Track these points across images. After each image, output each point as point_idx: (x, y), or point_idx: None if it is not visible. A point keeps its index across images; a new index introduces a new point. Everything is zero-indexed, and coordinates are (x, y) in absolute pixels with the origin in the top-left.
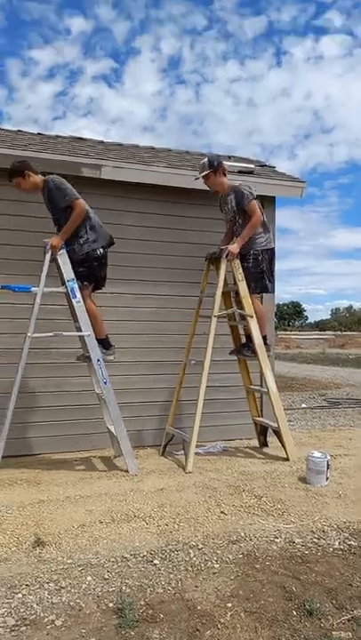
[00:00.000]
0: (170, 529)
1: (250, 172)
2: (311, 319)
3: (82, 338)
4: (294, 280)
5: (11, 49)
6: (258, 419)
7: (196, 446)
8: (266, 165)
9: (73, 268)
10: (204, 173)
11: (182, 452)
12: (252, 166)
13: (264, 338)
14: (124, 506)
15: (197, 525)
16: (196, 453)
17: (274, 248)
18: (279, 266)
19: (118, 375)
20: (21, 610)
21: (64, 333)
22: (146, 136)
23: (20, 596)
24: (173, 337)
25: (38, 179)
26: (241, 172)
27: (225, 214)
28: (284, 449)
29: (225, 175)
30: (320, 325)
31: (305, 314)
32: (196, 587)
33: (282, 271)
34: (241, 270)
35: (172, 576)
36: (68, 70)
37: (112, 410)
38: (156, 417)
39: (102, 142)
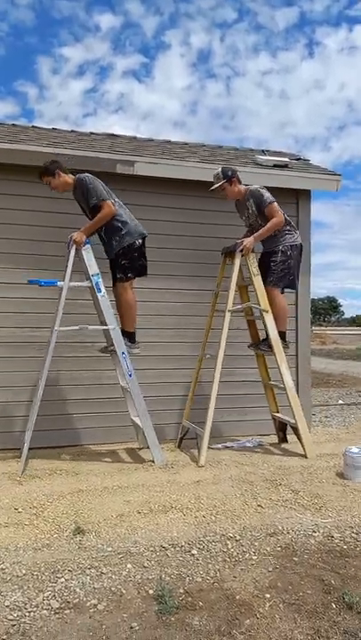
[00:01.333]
0: (207, 520)
1: (284, 166)
2: (348, 314)
3: (106, 331)
4: (330, 275)
5: (42, 47)
6: (276, 414)
7: (231, 440)
8: (300, 159)
9: (117, 261)
10: (218, 184)
11: (216, 445)
12: (287, 160)
13: (283, 334)
14: (161, 497)
15: (234, 518)
16: (229, 447)
17: (302, 245)
18: (314, 260)
19: (149, 369)
20: (65, 593)
21: (89, 327)
22: (176, 131)
23: (62, 580)
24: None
25: (69, 178)
26: (276, 166)
27: (245, 219)
28: (302, 446)
29: (240, 183)
30: (357, 321)
31: (341, 309)
32: (234, 577)
33: (317, 266)
34: (256, 265)
35: (210, 566)
36: (97, 67)
37: (137, 402)
38: (177, 411)
39: (135, 138)
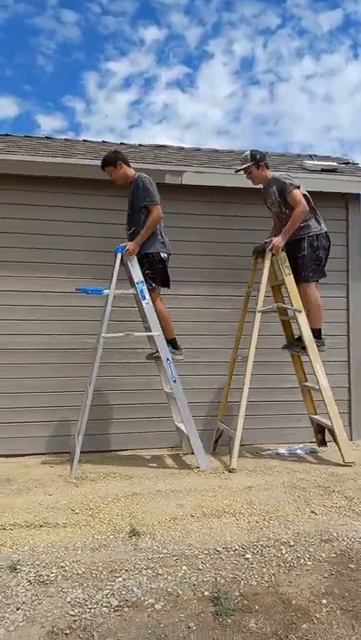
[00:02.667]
0: (260, 525)
1: (333, 170)
2: None
3: (151, 338)
4: None
5: (89, 62)
6: (314, 416)
7: (283, 447)
8: (349, 162)
9: (141, 269)
10: (245, 166)
11: (267, 451)
12: (335, 164)
13: (318, 331)
14: (213, 501)
15: (287, 523)
16: (281, 454)
17: (327, 233)
18: None
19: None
20: (123, 592)
21: (135, 334)
22: (220, 139)
23: (120, 579)
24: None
25: (130, 172)
26: (324, 171)
27: (270, 207)
28: (339, 449)
29: (268, 168)
30: None
31: None
32: (289, 582)
33: None
34: (288, 264)
35: (264, 570)
36: (142, 79)
37: (182, 408)
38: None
39: (183, 148)
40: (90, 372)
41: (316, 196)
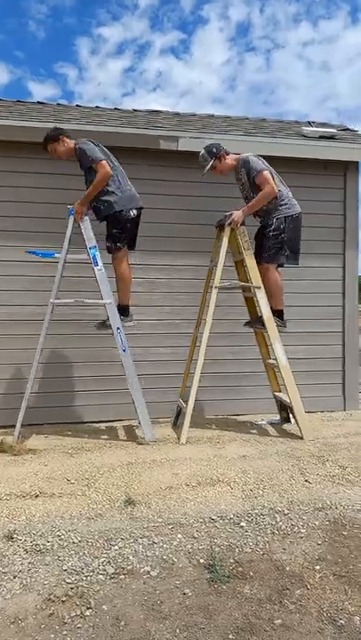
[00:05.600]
0: (254, 494)
1: (331, 137)
2: None
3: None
4: None
5: (81, 27)
6: (278, 394)
7: (262, 419)
8: (348, 129)
9: (107, 228)
10: (209, 166)
11: (262, 421)
12: (334, 130)
13: (280, 312)
14: (208, 470)
15: (282, 492)
16: (274, 423)
17: (300, 214)
18: None
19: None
20: (119, 560)
21: (85, 300)
22: (215, 108)
23: (116, 548)
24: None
25: (71, 144)
26: (322, 137)
27: (241, 188)
28: (298, 427)
29: (228, 154)
30: None
31: None
32: (283, 549)
33: None
34: (247, 239)
35: (259, 538)
36: (136, 45)
37: (130, 377)
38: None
39: (178, 114)
40: (37, 343)
41: (313, 164)
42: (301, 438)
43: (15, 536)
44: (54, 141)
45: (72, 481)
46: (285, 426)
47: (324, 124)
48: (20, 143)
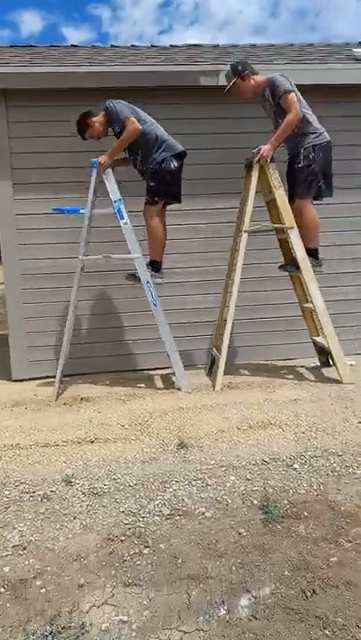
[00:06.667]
0: (307, 436)
1: None
2: None
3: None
4: None
5: None
6: (316, 338)
7: (314, 362)
8: None
9: (147, 181)
10: (231, 83)
11: (311, 364)
12: None
13: (315, 250)
14: (259, 414)
15: (335, 434)
16: (308, 367)
17: (329, 142)
18: None
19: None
20: (174, 502)
21: (113, 256)
22: (257, 38)
23: (171, 490)
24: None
25: (101, 117)
26: None
27: (267, 113)
28: (337, 370)
29: (255, 74)
30: None
31: None
32: (338, 490)
33: None
34: (277, 176)
35: (313, 479)
36: None
37: (162, 331)
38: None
39: (217, 46)
40: (70, 295)
41: None
42: (341, 382)
43: (73, 480)
44: (87, 128)
45: (125, 426)
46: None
47: None
48: (47, 90)
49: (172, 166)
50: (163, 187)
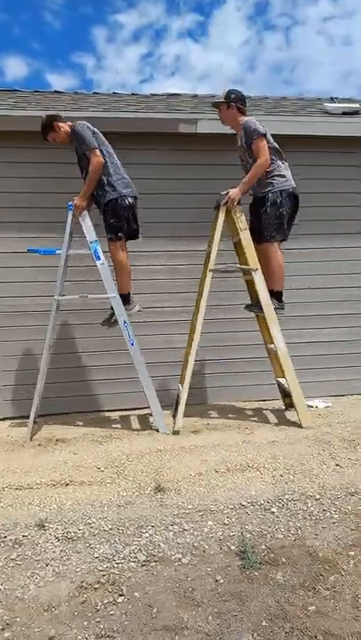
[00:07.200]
0: (285, 479)
1: (355, 113)
2: None
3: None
4: None
5: (97, 16)
6: (280, 380)
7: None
8: None
9: (105, 219)
10: (216, 102)
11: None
12: (357, 106)
13: (279, 293)
14: (237, 456)
15: (312, 477)
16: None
17: (295, 189)
18: None
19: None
20: (150, 547)
21: (89, 295)
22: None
23: (147, 535)
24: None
25: (67, 127)
26: (345, 114)
27: (238, 154)
28: (297, 413)
29: (240, 112)
30: None
31: None
32: (316, 535)
33: None
34: (243, 219)
35: (290, 524)
36: (152, 30)
37: (140, 371)
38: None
39: (196, 96)
40: (45, 335)
41: (337, 142)
42: (301, 427)
43: (47, 524)
44: (51, 130)
45: (102, 468)
46: (315, 410)
47: (347, 100)
48: (22, 133)
49: (127, 202)
50: (121, 222)
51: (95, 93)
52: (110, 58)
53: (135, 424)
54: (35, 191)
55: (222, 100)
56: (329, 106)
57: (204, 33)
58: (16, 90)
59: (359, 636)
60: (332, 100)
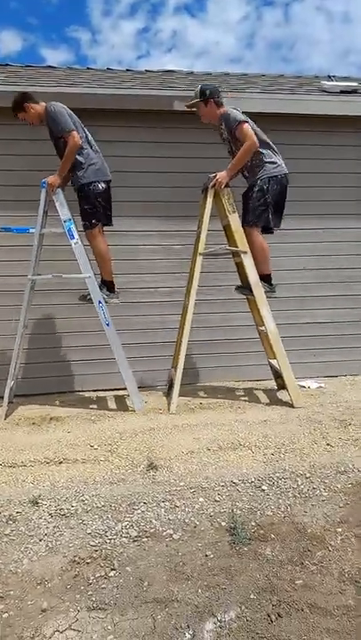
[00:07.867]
0: (276, 458)
1: (353, 92)
2: None
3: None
4: None
5: None
6: (272, 361)
7: (304, 380)
8: None
9: (79, 204)
10: (191, 102)
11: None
12: (355, 84)
13: (268, 276)
14: (229, 435)
15: (303, 456)
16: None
17: (286, 175)
18: None
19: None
20: (141, 524)
21: (63, 275)
22: (233, 67)
23: (139, 511)
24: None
25: (39, 107)
26: (343, 92)
27: (225, 145)
28: (288, 393)
29: (219, 106)
30: None
31: None
32: (305, 512)
33: None
34: (232, 201)
35: (280, 501)
36: (149, 4)
37: (115, 351)
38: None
39: (192, 73)
40: (19, 314)
41: (333, 121)
42: (293, 407)
43: (40, 501)
44: (21, 110)
45: (95, 447)
46: (307, 391)
47: (345, 78)
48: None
49: (101, 188)
50: (95, 208)
51: (89, 68)
52: (106, 32)
53: (130, 402)
54: (5, 169)
55: (199, 99)
56: (326, 84)
57: (202, 8)
58: (7, 64)
59: (345, 608)
60: (329, 78)
